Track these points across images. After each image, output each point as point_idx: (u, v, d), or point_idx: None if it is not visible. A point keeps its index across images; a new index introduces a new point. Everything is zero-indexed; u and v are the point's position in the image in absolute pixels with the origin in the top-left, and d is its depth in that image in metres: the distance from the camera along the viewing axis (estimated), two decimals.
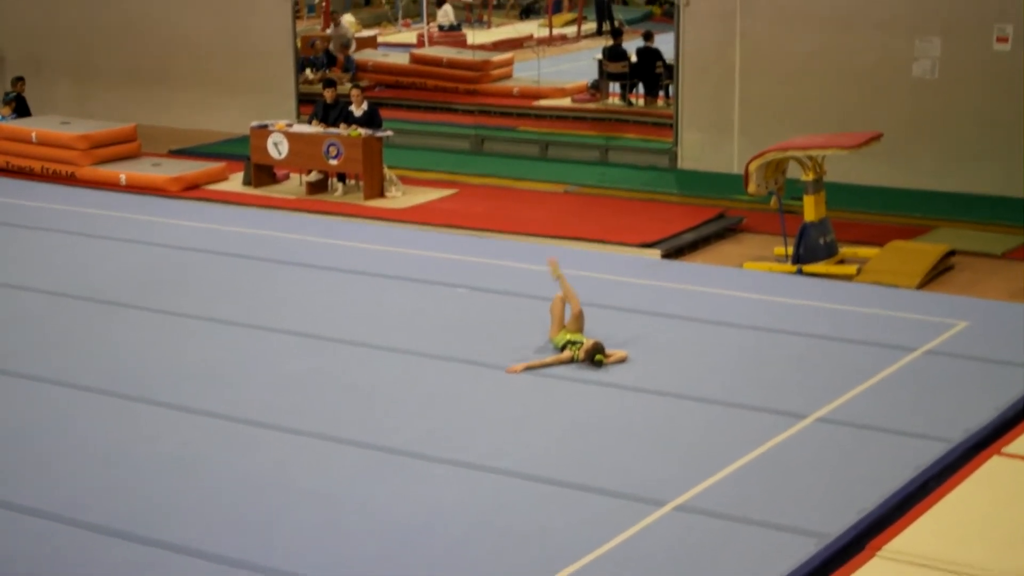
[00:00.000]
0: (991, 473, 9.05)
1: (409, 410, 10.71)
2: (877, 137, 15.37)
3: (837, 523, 8.63)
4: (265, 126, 18.55)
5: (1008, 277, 14.74)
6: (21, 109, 21.14)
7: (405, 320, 12.87)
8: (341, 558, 8.34)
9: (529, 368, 11.49)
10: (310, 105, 20.33)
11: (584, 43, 28.21)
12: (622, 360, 11.59)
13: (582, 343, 11.59)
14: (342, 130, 18.10)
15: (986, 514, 8.44)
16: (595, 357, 11.48)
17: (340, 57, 24.95)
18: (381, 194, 18.10)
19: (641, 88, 22.29)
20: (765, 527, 8.64)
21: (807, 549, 8.32)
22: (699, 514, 8.84)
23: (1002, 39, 17.46)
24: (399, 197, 18.08)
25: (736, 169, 18.42)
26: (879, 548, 8.02)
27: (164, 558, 8.39)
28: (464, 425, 10.42)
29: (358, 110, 18.40)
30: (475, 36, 26.62)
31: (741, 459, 9.65)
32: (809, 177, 14.98)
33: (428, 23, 28.58)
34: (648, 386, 11.10)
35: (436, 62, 24.38)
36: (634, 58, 22.12)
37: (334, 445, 10.05)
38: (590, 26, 29.21)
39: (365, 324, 12.75)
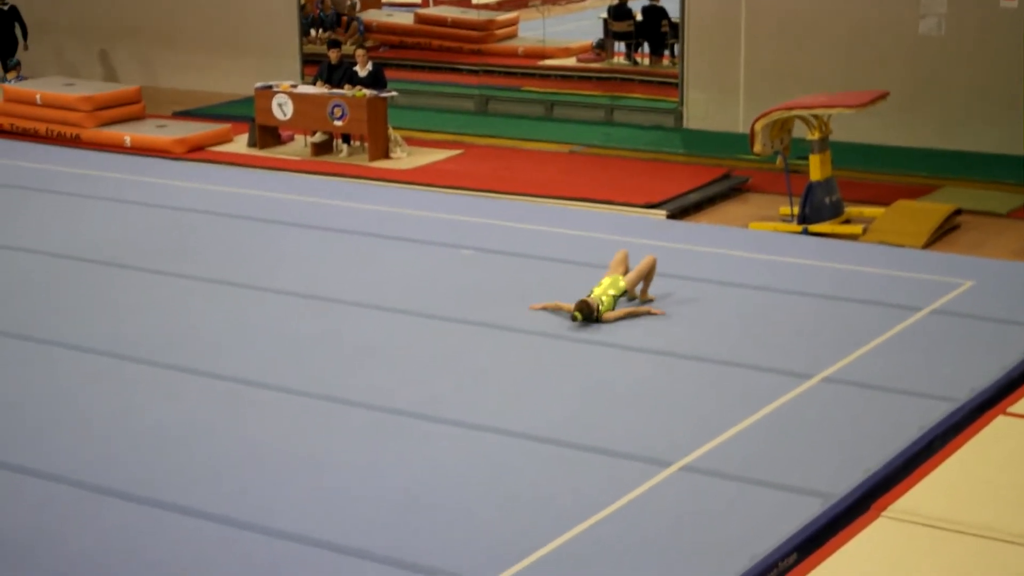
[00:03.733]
0: (997, 433, 9.05)
1: (414, 372, 10.72)
2: (883, 96, 15.32)
3: (843, 483, 8.64)
4: (269, 87, 18.51)
5: (1014, 236, 14.71)
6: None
7: (410, 281, 12.87)
8: (345, 521, 8.36)
9: (547, 308, 11.72)
10: (314, 66, 20.28)
11: (589, 2, 28.05)
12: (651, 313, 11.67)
13: (600, 299, 11.62)
14: (347, 91, 18.06)
15: (991, 474, 8.44)
16: (573, 315, 11.52)
17: (344, 18, 24.85)
18: (386, 155, 18.08)
19: (646, 47, 22.20)
20: (771, 487, 8.65)
21: (813, 509, 8.33)
22: (705, 475, 8.85)
23: None
24: (404, 158, 18.06)
25: (742, 128, 18.37)
26: (884, 508, 8.03)
27: (168, 520, 8.40)
28: (469, 387, 10.43)
29: (363, 71, 18.35)
30: None
31: (747, 419, 9.66)
32: (815, 136, 14.93)
33: None
34: (653, 347, 11.10)
35: (441, 22, 24.27)
36: (639, 17, 22.00)
37: (339, 407, 10.07)
38: None
39: (369, 285, 12.74)
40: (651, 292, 12.07)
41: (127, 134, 19.14)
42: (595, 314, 11.53)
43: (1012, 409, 9.40)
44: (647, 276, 11.94)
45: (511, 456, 9.22)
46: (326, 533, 8.20)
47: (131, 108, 20.06)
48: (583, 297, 11.68)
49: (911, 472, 8.66)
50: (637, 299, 11.97)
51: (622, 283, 11.76)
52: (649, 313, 11.67)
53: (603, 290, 11.68)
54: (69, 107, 19.58)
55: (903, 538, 7.70)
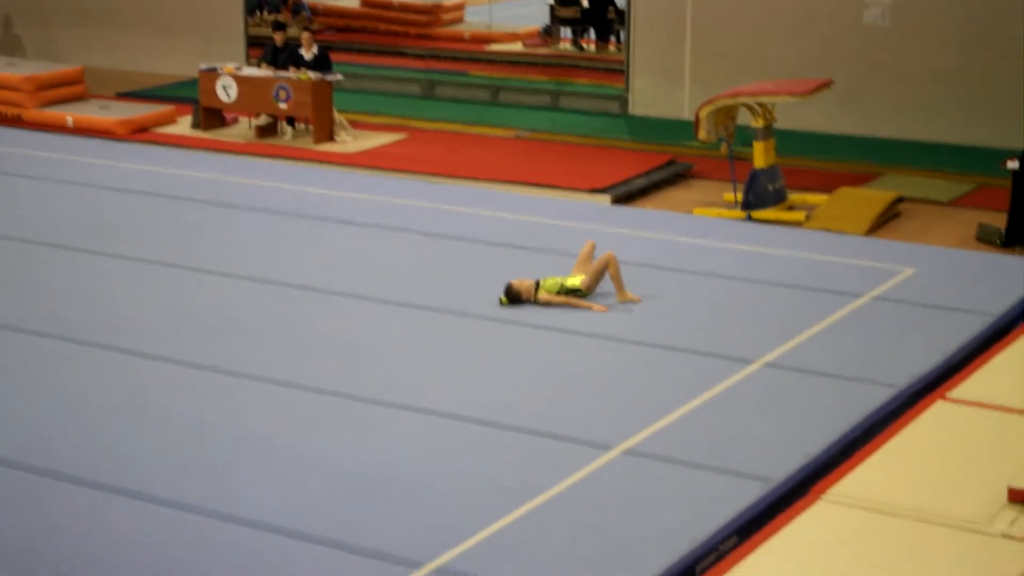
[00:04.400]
0: (936, 418, 9.13)
1: (361, 356, 10.70)
2: (827, 84, 15.41)
3: (783, 467, 8.70)
4: (214, 69, 18.41)
5: (955, 224, 14.84)
6: None
7: (355, 265, 12.84)
8: (295, 504, 8.35)
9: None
10: (259, 48, 20.18)
11: None
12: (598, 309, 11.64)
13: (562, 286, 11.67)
14: (292, 74, 17.99)
15: (930, 458, 8.52)
16: (500, 299, 11.64)
17: (290, 0, 24.75)
18: (331, 138, 18.02)
19: (593, 33, 22.24)
20: (712, 471, 8.70)
21: (753, 493, 8.38)
22: (647, 458, 8.89)
23: None
24: (349, 141, 18.01)
25: (687, 115, 18.43)
26: (824, 492, 8.08)
27: (119, 503, 8.36)
28: (416, 371, 10.42)
29: (308, 53, 18.28)
30: None
31: (689, 404, 9.70)
32: (759, 124, 15.01)
33: None
34: (597, 332, 11.13)
35: (387, 5, 24.21)
36: (586, 3, 22.04)
37: (290, 391, 10.03)
38: None
39: (315, 269, 12.71)
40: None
41: (70, 115, 18.99)
42: (523, 297, 11.57)
43: (951, 395, 9.48)
44: (614, 276, 11.82)
45: (457, 440, 9.23)
46: (275, 516, 8.18)
47: (74, 88, 19.90)
48: (516, 281, 11.69)
49: (851, 456, 8.73)
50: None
51: (579, 282, 11.74)
52: (590, 308, 11.62)
53: (556, 281, 11.69)
54: (11, 87, 19.38)
55: (842, 521, 7.76)
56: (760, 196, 14.98)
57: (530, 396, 9.94)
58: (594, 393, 9.98)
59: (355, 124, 18.61)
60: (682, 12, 19.06)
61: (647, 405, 9.69)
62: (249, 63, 20.97)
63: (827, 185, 15.93)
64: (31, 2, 24.20)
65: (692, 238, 13.70)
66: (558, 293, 11.64)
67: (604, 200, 15.45)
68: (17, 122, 19.17)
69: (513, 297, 11.61)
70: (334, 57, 18.85)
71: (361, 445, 9.14)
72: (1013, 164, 14.20)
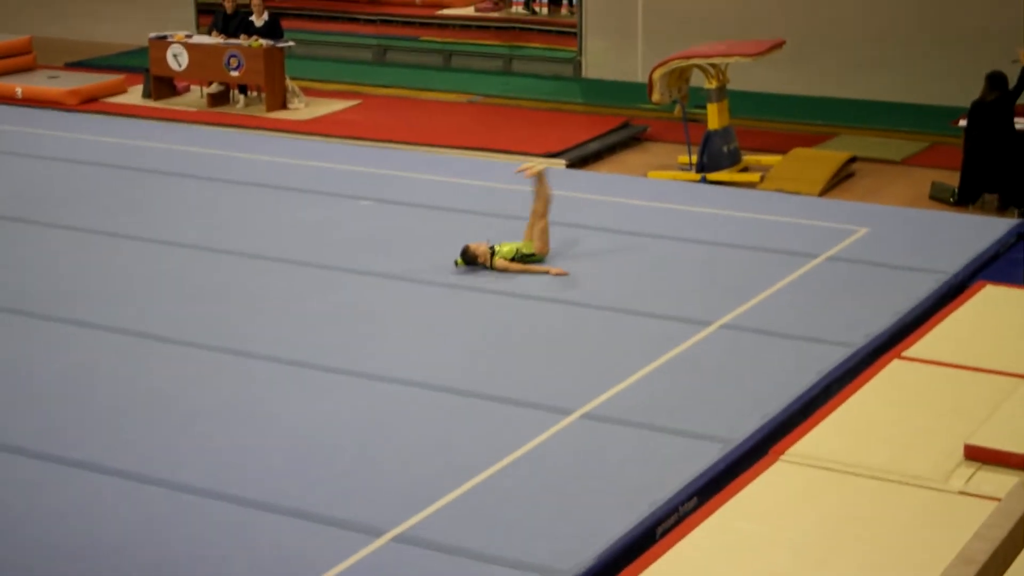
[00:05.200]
0: (892, 376, 9.18)
1: (313, 323, 10.66)
2: (779, 45, 15.42)
3: (741, 428, 8.73)
4: (164, 37, 18.26)
5: (908, 183, 14.89)
6: None
7: (309, 233, 12.79)
8: (246, 472, 8.31)
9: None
10: (209, 15, 20.01)
11: None
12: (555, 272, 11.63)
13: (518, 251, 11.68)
14: (243, 41, 17.86)
15: (887, 417, 8.56)
16: (456, 260, 11.62)
17: None
18: (283, 106, 17.92)
19: None
20: (670, 433, 8.71)
21: (712, 454, 8.41)
22: (605, 422, 8.89)
23: None
24: (302, 108, 17.92)
25: (640, 78, 18.41)
26: (783, 452, 8.11)
27: (64, 474, 8.31)
28: (370, 337, 10.40)
29: (259, 20, 18.14)
30: None
31: (646, 367, 9.71)
32: (712, 85, 15.01)
33: None
34: (553, 295, 11.12)
35: None
36: None
37: (237, 358, 9.99)
38: None
39: (268, 237, 12.65)
40: (552, 245, 11.93)
41: (18, 85, 18.81)
42: (479, 261, 11.56)
43: (907, 353, 9.53)
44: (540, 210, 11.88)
45: (413, 406, 9.21)
46: (226, 485, 8.14)
47: (21, 59, 19.73)
48: (473, 244, 11.67)
49: (809, 416, 8.76)
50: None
51: (533, 246, 11.72)
52: (547, 272, 11.61)
53: (512, 247, 11.66)
54: None
55: (801, 481, 7.79)
56: (714, 158, 14.99)
57: (487, 362, 9.93)
58: (551, 358, 9.97)
59: (307, 91, 18.50)
60: None
61: (605, 369, 9.69)
62: (199, 31, 20.81)
63: (781, 146, 15.96)
64: None
65: (647, 201, 13.70)
66: (513, 259, 11.61)
67: (559, 164, 15.43)
68: None
69: (469, 259, 11.59)
70: (285, 24, 18.72)
71: (317, 412, 9.11)
72: (964, 122, 14.26)
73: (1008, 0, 17.06)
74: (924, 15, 17.50)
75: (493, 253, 11.62)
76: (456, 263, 11.65)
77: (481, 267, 11.61)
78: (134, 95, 18.78)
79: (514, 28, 21.48)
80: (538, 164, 12.12)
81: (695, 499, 7.98)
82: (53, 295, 11.27)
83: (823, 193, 14.43)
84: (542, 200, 11.80)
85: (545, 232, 11.74)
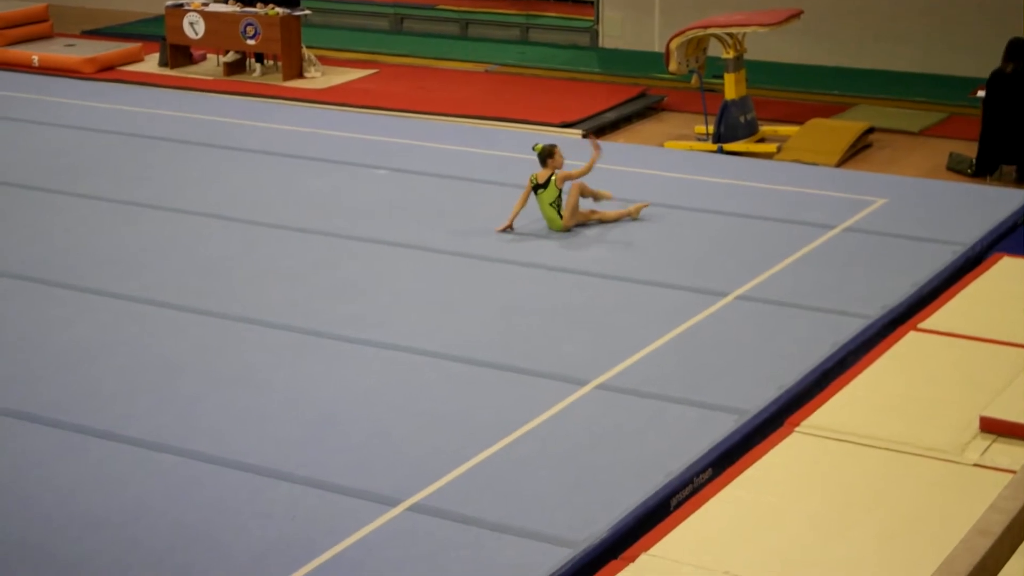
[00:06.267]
0: (907, 348, 9.16)
1: (331, 292, 10.67)
2: (797, 14, 15.34)
3: (757, 399, 8.73)
4: (181, 5, 18.24)
5: (925, 154, 14.84)
6: None
7: (325, 202, 12.79)
8: (263, 441, 8.34)
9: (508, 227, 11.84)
10: None
11: None
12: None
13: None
14: (259, 9, 17.83)
15: (902, 389, 8.55)
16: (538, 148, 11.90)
17: None
18: (300, 74, 17.90)
19: None
20: (686, 404, 8.72)
21: (727, 425, 8.41)
22: (621, 392, 8.90)
23: None
24: (318, 77, 17.89)
25: (657, 47, 18.35)
26: (798, 423, 8.11)
27: (84, 443, 8.34)
28: (387, 307, 10.41)
29: None
30: None
31: (662, 338, 9.71)
32: (730, 55, 14.95)
33: None
34: (570, 266, 11.12)
35: None
36: None
37: (255, 328, 10.01)
38: None
39: (285, 206, 12.65)
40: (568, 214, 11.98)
41: (35, 53, 18.81)
42: (552, 163, 11.79)
43: (923, 325, 9.51)
44: (590, 193, 12.01)
45: (429, 376, 9.22)
46: (243, 454, 8.17)
47: (39, 27, 19.72)
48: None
49: (824, 388, 8.76)
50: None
51: (559, 224, 11.79)
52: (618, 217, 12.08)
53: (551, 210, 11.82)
54: None
55: (816, 452, 7.79)
56: (731, 128, 14.95)
57: (502, 332, 9.93)
58: (566, 328, 9.97)
59: (324, 60, 18.48)
60: None
61: (620, 339, 9.69)
62: None
63: (798, 116, 15.91)
64: None
65: (663, 171, 13.68)
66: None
67: (575, 134, 15.40)
68: None
69: (545, 155, 11.81)
70: None
71: (333, 382, 9.13)
72: (983, 93, 14.19)
73: None
74: None
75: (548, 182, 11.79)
76: (534, 148, 11.91)
77: (547, 178, 11.75)
78: (151, 63, 18.77)
79: None
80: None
81: (710, 470, 7.98)
82: (68, 263, 11.29)
83: (840, 164, 14.39)
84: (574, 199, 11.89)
85: (573, 208, 11.80)
